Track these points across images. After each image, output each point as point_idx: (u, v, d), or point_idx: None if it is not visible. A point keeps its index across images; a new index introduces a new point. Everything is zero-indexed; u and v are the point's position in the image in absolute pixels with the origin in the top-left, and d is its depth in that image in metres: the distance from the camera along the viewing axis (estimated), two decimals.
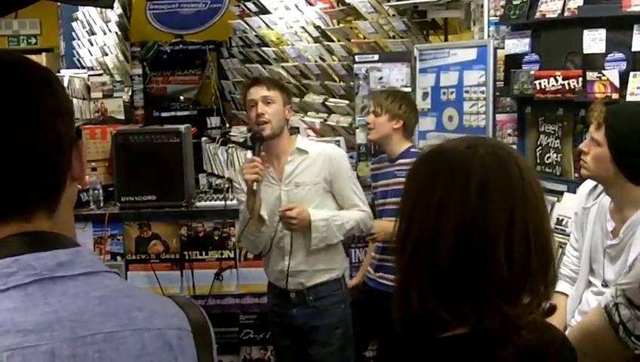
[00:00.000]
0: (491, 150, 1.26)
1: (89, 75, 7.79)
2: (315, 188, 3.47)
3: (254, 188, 3.31)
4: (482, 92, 4.43)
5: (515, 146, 4.47)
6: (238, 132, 7.51)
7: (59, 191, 1.11)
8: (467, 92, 4.54)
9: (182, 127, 4.67)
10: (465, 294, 1.20)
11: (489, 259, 1.19)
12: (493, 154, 1.25)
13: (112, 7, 4.78)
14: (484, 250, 1.19)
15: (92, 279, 1.07)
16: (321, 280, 3.53)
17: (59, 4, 8.86)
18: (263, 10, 6.88)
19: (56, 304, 1.02)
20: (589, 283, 2.83)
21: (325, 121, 6.09)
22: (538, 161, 4.33)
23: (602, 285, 2.74)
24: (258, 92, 3.41)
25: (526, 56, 4.22)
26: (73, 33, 9.94)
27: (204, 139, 7.95)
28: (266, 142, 3.44)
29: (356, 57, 5.00)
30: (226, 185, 5.00)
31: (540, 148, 4.32)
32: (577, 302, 2.84)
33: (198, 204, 4.71)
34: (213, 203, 4.71)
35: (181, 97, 8.83)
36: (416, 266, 1.22)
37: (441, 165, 1.25)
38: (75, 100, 8.18)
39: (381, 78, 4.83)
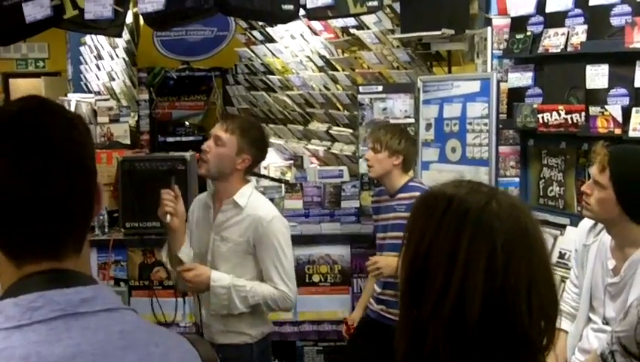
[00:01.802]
0: (508, 208, 1.28)
1: (96, 100, 7.85)
2: (236, 247, 3.22)
3: (167, 220, 3.13)
4: (485, 124, 4.47)
5: (517, 179, 4.51)
6: None
7: (87, 231, 1.18)
8: (470, 124, 4.57)
9: (187, 155, 4.70)
10: (486, 351, 1.23)
11: (513, 316, 1.23)
12: (511, 213, 1.27)
13: (120, 36, 4.84)
14: (509, 308, 1.23)
15: (113, 315, 1.12)
16: (231, 342, 3.25)
17: None
18: (269, 39, 6.96)
19: (79, 338, 1.07)
20: (589, 320, 2.84)
21: (329, 149, 6.14)
22: (541, 194, 4.36)
23: (603, 322, 2.75)
24: (216, 129, 3.23)
25: (529, 90, 4.26)
26: (81, 57, 10.00)
27: None
28: (213, 180, 3.31)
29: (360, 88, 5.05)
30: None
31: (542, 180, 4.35)
32: (578, 339, 2.85)
33: None
34: None
35: (186, 122, 8.89)
36: (439, 314, 1.24)
37: (465, 220, 1.26)
38: None
39: (385, 109, 4.87)
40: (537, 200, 4.39)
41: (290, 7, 4.36)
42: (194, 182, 4.78)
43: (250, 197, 3.26)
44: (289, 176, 5.65)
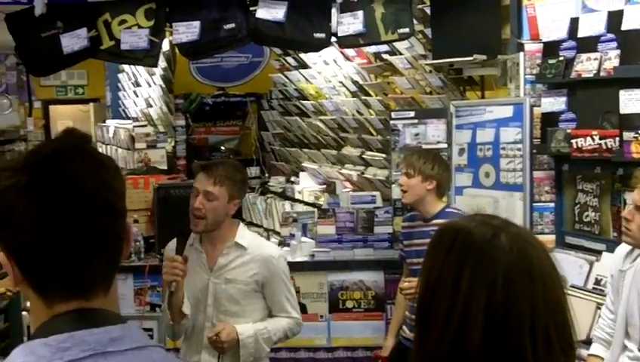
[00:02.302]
0: (514, 241, 1.28)
1: (134, 126, 8.00)
2: (246, 288, 3.24)
3: (171, 289, 3.11)
4: (519, 149, 4.45)
5: (552, 204, 4.47)
6: (277, 182, 7.63)
7: (115, 271, 1.21)
8: (504, 149, 4.56)
9: None
10: None
11: (515, 351, 1.22)
12: (517, 246, 1.27)
13: (156, 66, 4.94)
14: (510, 342, 1.22)
15: (141, 353, 1.14)
16: None
17: None
18: (303, 65, 7.03)
19: None
20: (625, 348, 2.80)
21: (362, 173, 6.15)
22: (577, 220, 4.31)
23: (638, 349, 2.72)
24: (204, 183, 3.17)
25: (562, 115, 4.23)
26: (119, 84, 10.21)
27: None
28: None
29: (392, 113, 5.06)
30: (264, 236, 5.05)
31: (578, 206, 4.30)
32: None
33: None
34: None
35: (222, 147, 9.00)
36: (442, 350, 1.24)
37: (471, 251, 1.27)
38: (119, 150, 8.39)
39: (417, 134, 4.88)
40: (573, 226, 4.35)
41: (322, 35, 4.42)
42: None
43: (250, 238, 3.31)
44: (322, 201, 5.68)
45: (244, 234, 3.29)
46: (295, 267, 4.69)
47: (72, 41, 4.33)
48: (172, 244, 3.29)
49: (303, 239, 4.85)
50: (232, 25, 4.32)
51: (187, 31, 4.33)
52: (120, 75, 10.06)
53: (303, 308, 4.66)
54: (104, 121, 10.39)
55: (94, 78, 12.19)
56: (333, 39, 4.50)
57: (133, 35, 4.37)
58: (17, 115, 11.41)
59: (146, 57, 4.46)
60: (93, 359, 1.09)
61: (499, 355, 1.22)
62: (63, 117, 12.66)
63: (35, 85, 11.24)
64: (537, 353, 1.22)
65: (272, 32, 4.35)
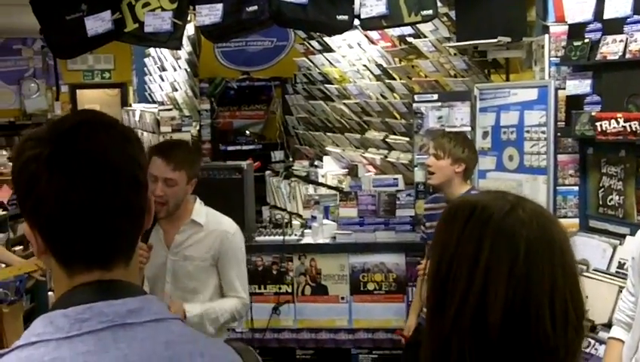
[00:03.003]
0: (532, 214, 1.27)
1: (159, 110, 8.04)
2: (203, 264, 3.29)
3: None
4: (543, 132, 4.42)
5: (576, 188, 4.43)
6: (301, 166, 7.64)
7: (136, 243, 1.21)
8: (528, 132, 4.53)
9: (244, 164, 4.78)
10: (508, 359, 1.22)
11: (535, 324, 1.21)
12: (535, 220, 1.26)
13: (179, 49, 4.95)
14: (531, 315, 1.22)
15: (159, 325, 1.14)
16: None
17: None
18: (327, 49, 7.00)
19: (125, 349, 1.09)
20: None
21: (386, 157, 6.13)
22: (600, 203, 4.27)
23: None
24: (163, 170, 3.14)
25: (587, 98, 4.19)
26: (145, 69, 10.25)
27: (267, 172, 8.10)
28: None
29: (416, 96, 5.04)
30: (285, 220, 5.07)
31: (602, 189, 4.26)
32: (634, 350, 2.78)
33: (257, 238, 4.80)
34: (272, 238, 4.79)
35: (247, 132, 9.02)
36: (462, 319, 1.23)
37: (490, 224, 1.26)
38: (145, 134, 8.44)
39: (441, 117, 4.86)
40: (597, 210, 4.31)
41: (345, 17, 4.40)
42: (251, 191, 4.86)
43: (207, 214, 3.33)
44: (345, 185, 5.68)
45: (200, 212, 3.32)
46: (316, 249, 4.74)
47: (97, 23, 4.35)
48: None
49: (325, 221, 4.86)
50: (255, 7, 4.31)
51: (210, 13, 4.33)
52: (146, 60, 10.10)
53: (325, 290, 4.69)
54: (130, 105, 10.46)
55: (121, 63, 12.26)
56: (356, 22, 4.47)
57: (157, 18, 4.38)
58: (45, 99, 11.56)
59: (169, 40, 4.47)
60: (112, 330, 1.10)
61: (519, 328, 1.21)
62: (91, 101, 12.75)
63: (63, 70, 11.36)
64: (556, 325, 1.22)
65: (295, 14, 4.33)
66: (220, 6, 4.34)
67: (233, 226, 3.39)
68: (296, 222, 5.22)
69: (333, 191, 5.30)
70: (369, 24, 4.45)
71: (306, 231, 4.90)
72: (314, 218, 4.83)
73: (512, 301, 1.21)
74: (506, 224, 1.25)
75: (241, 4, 4.34)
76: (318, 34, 6.85)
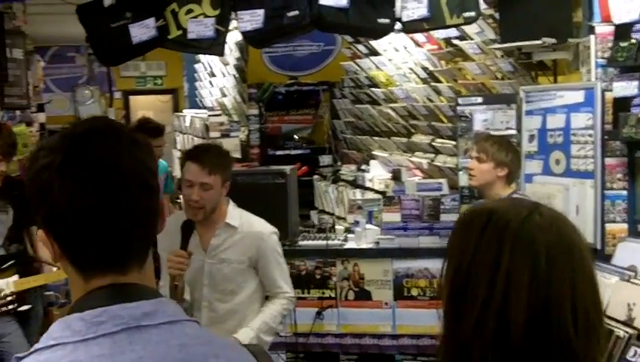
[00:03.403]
0: (550, 220, 1.26)
1: (208, 115, 8.14)
2: (240, 266, 3.35)
3: (176, 282, 3.13)
4: (590, 135, 4.32)
5: (625, 192, 4.32)
6: (348, 170, 7.63)
7: (150, 246, 1.23)
8: (574, 135, 4.43)
9: (287, 168, 4.79)
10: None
11: (557, 330, 1.21)
12: (553, 226, 1.26)
13: (222, 55, 4.99)
14: (552, 321, 1.21)
15: (173, 328, 1.16)
16: None
17: None
18: (373, 52, 6.99)
19: (140, 351, 1.11)
20: None
21: (432, 161, 6.08)
22: None
23: None
24: (198, 175, 3.21)
25: (635, 99, 4.08)
26: (196, 75, 10.38)
27: (315, 177, 8.12)
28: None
29: (460, 99, 4.98)
30: (329, 225, 5.07)
31: None
32: None
33: (300, 242, 4.80)
34: (315, 242, 4.79)
35: (295, 136, 9.05)
36: (483, 332, 1.22)
37: (506, 233, 1.25)
38: (195, 139, 8.55)
39: (485, 120, 4.79)
40: None
41: (386, 20, 4.38)
42: (294, 195, 4.86)
43: (240, 217, 3.37)
44: (389, 189, 5.65)
45: (233, 214, 3.39)
46: (359, 254, 4.72)
47: (141, 30, 4.42)
48: (165, 240, 3.27)
49: (368, 226, 4.84)
50: (296, 12, 4.32)
51: (252, 19, 4.36)
52: (196, 66, 10.23)
53: (368, 295, 4.67)
54: (181, 111, 10.60)
55: (172, 69, 12.43)
56: (398, 25, 4.44)
57: (200, 24, 4.43)
58: (99, 106, 11.79)
59: (212, 46, 4.51)
60: (127, 333, 1.11)
61: (541, 333, 1.20)
62: (143, 107, 12.95)
63: (115, 76, 11.58)
64: (578, 330, 1.21)
65: (336, 19, 4.33)
66: (261, 12, 4.37)
67: (267, 227, 3.45)
68: (339, 227, 5.21)
69: (377, 196, 5.27)
70: (410, 27, 4.43)
71: (349, 235, 4.88)
72: (357, 223, 4.81)
73: (534, 306, 1.20)
74: (524, 230, 1.24)
75: (282, 10, 4.36)
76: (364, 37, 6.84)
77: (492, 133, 4.67)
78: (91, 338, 1.10)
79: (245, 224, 3.39)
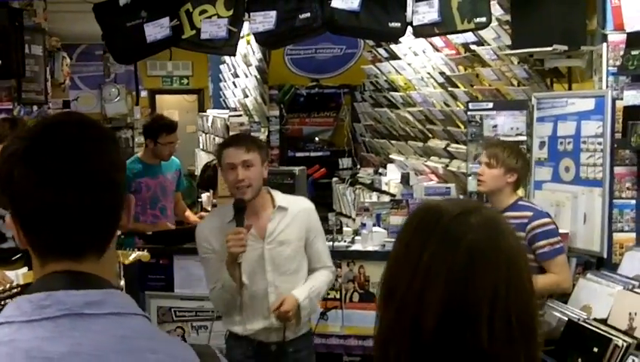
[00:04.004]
0: (483, 221, 1.25)
1: (229, 116, 8.21)
2: (298, 244, 3.46)
3: (239, 260, 3.24)
4: (600, 143, 4.30)
5: (633, 201, 4.29)
6: (366, 174, 7.65)
7: (110, 238, 1.26)
8: (584, 143, 4.41)
9: (296, 169, 4.83)
10: (442, 360, 1.21)
11: (471, 332, 1.19)
12: (484, 227, 1.24)
13: (234, 55, 5.04)
14: (466, 322, 1.19)
15: (119, 319, 1.19)
16: (301, 333, 3.54)
17: None
18: (393, 56, 7.00)
19: (79, 337, 1.14)
20: None
21: (447, 166, 6.08)
22: None
23: None
24: (238, 155, 3.31)
25: None
26: (220, 75, 10.49)
27: (334, 179, 8.14)
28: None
29: (470, 104, 4.98)
30: (336, 227, 5.09)
31: None
32: None
33: None
34: None
35: (316, 138, 9.09)
36: (399, 323, 1.23)
37: (435, 228, 1.25)
38: (217, 138, 8.63)
39: (495, 126, 4.78)
40: None
41: (398, 24, 4.39)
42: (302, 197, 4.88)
43: (284, 198, 3.50)
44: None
45: (279, 197, 3.50)
46: (366, 256, 4.73)
47: (155, 30, 4.48)
48: (203, 226, 3.54)
49: (375, 229, 4.85)
50: (308, 14, 4.36)
51: (264, 20, 4.40)
52: (221, 67, 10.33)
53: (372, 297, 4.68)
54: (205, 111, 10.70)
55: (198, 69, 12.55)
56: (409, 29, 4.45)
57: (213, 25, 4.48)
58: (125, 104, 11.93)
59: (225, 46, 4.56)
60: (69, 319, 1.15)
61: (455, 330, 1.19)
62: (170, 106, 13.10)
63: (142, 75, 11.71)
64: (495, 338, 1.19)
65: (347, 22, 4.35)
66: (273, 13, 4.41)
67: (310, 203, 3.63)
68: (348, 229, 5.23)
69: (386, 199, 5.28)
70: (421, 31, 4.43)
71: (356, 238, 4.90)
72: (364, 225, 4.83)
73: (450, 304, 1.19)
74: (451, 227, 1.24)
75: (294, 12, 4.40)
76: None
77: (502, 138, 4.67)
78: (36, 320, 1.14)
79: (293, 204, 3.50)
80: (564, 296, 4.12)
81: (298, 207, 3.49)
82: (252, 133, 7.72)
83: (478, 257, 1.21)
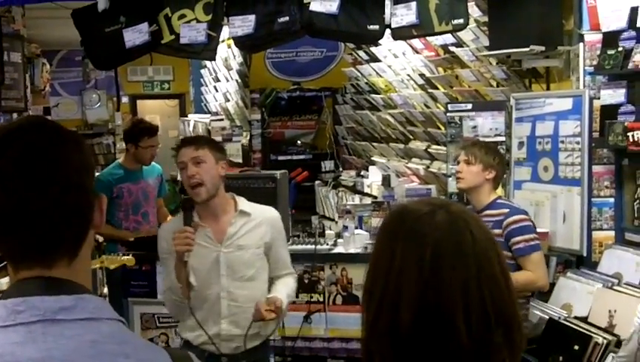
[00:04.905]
0: (449, 218, 1.27)
1: (210, 120, 8.20)
2: (257, 251, 3.40)
3: (185, 259, 3.18)
4: (578, 142, 4.34)
5: (612, 199, 4.33)
6: (348, 176, 7.66)
7: (81, 242, 1.25)
8: (562, 142, 4.45)
9: (277, 173, 4.82)
10: (424, 357, 1.23)
11: (448, 327, 1.21)
12: (449, 222, 1.27)
13: (214, 60, 5.04)
14: (442, 317, 1.22)
15: (89, 324, 1.18)
16: (254, 344, 3.41)
17: None
18: (374, 58, 7.02)
19: (52, 343, 1.15)
20: None
21: (428, 167, 6.10)
22: (636, 216, 4.17)
23: None
24: (187, 153, 3.30)
25: (622, 107, 4.10)
26: (201, 80, 10.46)
27: (317, 182, 8.15)
28: (209, 201, 3.34)
29: (449, 106, 5.00)
30: (318, 230, 5.10)
31: (637, 201, 4.16)
32: None
33: (290, 247, 4.78)
34: (303, 246, 4.81)
35: (298, 142, 9.10)
36: (379, 325, 1.25)
37: (402, 228, 1.28)
38: None
39: (474, 127, 4.81)
40: (632, 222, 4.21)
41: (376, 27, 4.41)
42: (284, 200, 4.89)
43: (250, 205, 3.48)
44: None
45: (243, 202, 3.47)
46: (348, 258, 4.74)
47: (134, 35, 4.47)
48: (167, 226, 3.51)
49: (357, 231, 4.86)
50: (287, 18, 4.37)
51: (243, 24, 4.41)
52: (202, 71, 10.30)
53: (356, 299, 4.69)
54: (186, 115, 10.67)
55: (179, 74, 12.50)
56: (388, 31, 4.47)
57: (192, 30, 4.48)
58: (106, 110, 11.88)
59: (204, 51, 4.56)
60: (42, 324, 1.15)
61: (431, 327, 1.21)
62: (151, 111, 13.03)
63: (123, 81, 11.66)
64: (472, 330, 1.21)
65: (326, 25, 4.37)
66: (252, 17, 4.41)
67: (276, 212, 3.58)
68: (330, 232, 5.23)
69: (367, 201, 5.29)
70: (399, 34, 4.45)
71: (339, 240, 4.90)
72: (346, 228, 4.84)
73: (424, 300, 1.22)
74: (416, 227, 1.27)
75: (273, 16, 4.41)
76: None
77: (481, 139, 4.70)
78: (10, 326, 1.14)
79: (257, 211, 3.47)
80: (544, 295, 4.16)
81: (262, 215, 3.45)
82: (234, 137, 7.75)
83: (444, 253, 1.24)
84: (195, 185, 3.27)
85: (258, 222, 3.42)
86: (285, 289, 3.46)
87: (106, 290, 5.32)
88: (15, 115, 6.12)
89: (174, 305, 3.38)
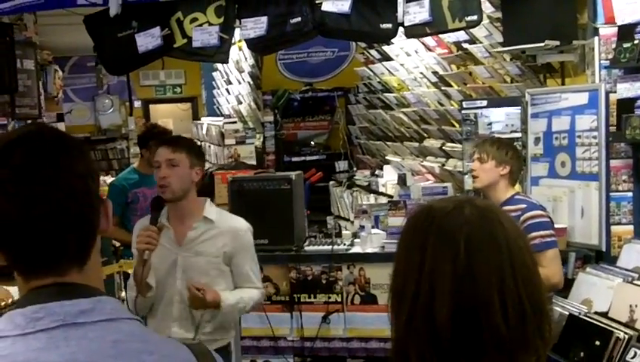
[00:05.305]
0: (477, 211, 1.28)
1: (223, 123, 8.21)
2: (215, 260, 3.38)
3: (145, 257, 3.17)
4: (595, 137, 4.30)
5: (630, 194, 4.29)
6: (363, 176, 7.65)
7: (90, 247, 1.26)
8: (579, 137, 4.41)
9: (292, 174, 4.81)
10: (466, 356, 1.22)
11: (486, 320, 1.22)
12: (479, 216, 1.27)
13: (226, 62, 5.04)
14: (480, 311, 1.22)
15: (110, 325, 1.19)
16: (212, 347, 3.37)
17: None
18: (386, 57, 7.00)
19: (74, 346, 1.16)
20: None
21: (443, 165, 6.08)
22: None
23: None
24: (163, 154, 3.31)
25: (638, 101, 4.06)
26: (213, 83, 10.48)
27: (331, 182, 8.14)
28: (171, 203, 3.36)
29: (464, 103, 4.98)
30: (335, 231, 5.09)
31: None
32: None
33: (307, 248, 4.82)
34: (321, 247, 4.80)
35: (312, 142, 9.10)
36: (414, 327, 1.25)
37: (431, 227, 1.28)
38: (212, 146, 8.63)
39: (490, 124, 4.79)
40: None
41: (389, 25, 4.40)
42: (300, 201, 4.88)
43: (217, 213, 3.45)
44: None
45: (211, 209, 3.44)
46: (366, 258, 4.73)
47: (147, 40, 4.48)
48: (140, 222, 3.47)
49: (374, 231, 4.85)
50: (298, 19, 4.36)
51: (255, 26, 4.40)
52: (214, 74, 10.32)
53: (374, 299, 4.68)
54: (199, 118, 10.69)
55: (191, 77, 12.54)
56: (401, 29, 4.45)
57: (204, 33, 4.49)
58: (119, 115, 11.93)
59: (217, 54, 4.57)
60: (63, 329, 1.16)
61: (470, 322, 1.22)
62: (164, 115, 13.09)
63: (135, 85, 11.71)
64: (509, 319, 1.22)
65: (338, 25, 4.36)
66: (264, 19, 4.41)
67: (244, 224, 3.51)
68: (347, 232, 5.22)
69: (383, 201, 5.28)
70: (412, 32, 4.43)
71: (355, 240, 4.89)
72: (363, 227, 4.82)
73: (460, 298, 1.22)
74: (446, 224, 1.27)
75: (285, 17, 4.40)
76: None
77: (497, 135, 4.67)
78: (30, 333, 1.15)
79: (222, 220, 3.44)
80: (564, 291, 4.13)
81: (228, 225, 3.43)
82: (247, 139, 7.75)
83: (477, 247, 1.24)
84: (162, 185, 3.30)
85: (220, 231, 3.39)
86: (239, 292, 3.42)
87: (123, 294, 5.33)
88: (30, 123, 6.15)
89: (135, 302, 3.37)
